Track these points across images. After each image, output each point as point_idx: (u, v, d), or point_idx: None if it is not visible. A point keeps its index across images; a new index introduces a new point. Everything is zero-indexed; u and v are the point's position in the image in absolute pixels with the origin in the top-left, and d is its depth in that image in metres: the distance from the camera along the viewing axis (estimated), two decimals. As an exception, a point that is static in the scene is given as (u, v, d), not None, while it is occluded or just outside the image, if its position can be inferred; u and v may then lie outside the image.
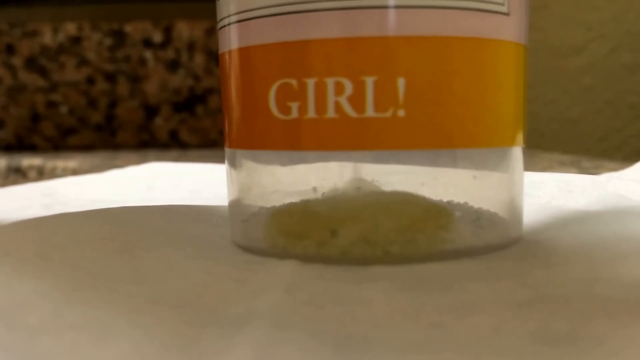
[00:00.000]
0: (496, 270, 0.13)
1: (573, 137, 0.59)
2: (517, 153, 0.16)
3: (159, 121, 0.64)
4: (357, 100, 0.14)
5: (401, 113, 0.14)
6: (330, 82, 0.14)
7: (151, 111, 0.64)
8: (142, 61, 0.63)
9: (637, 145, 0.58)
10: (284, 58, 0.14)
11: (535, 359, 0.09)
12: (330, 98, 0.14)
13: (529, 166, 0.39)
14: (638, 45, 0.57)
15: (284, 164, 0.15)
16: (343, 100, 0.14)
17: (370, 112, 0.14)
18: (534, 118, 0.58)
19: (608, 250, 0.14)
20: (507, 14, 0.14)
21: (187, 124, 0.64)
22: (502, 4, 0.14)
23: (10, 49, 0.63)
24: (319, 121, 0.14)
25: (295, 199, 0.15)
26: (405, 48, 0.13)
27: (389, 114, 0.14)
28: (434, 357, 0.09)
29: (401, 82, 0.13)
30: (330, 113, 0.14)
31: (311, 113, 0.14)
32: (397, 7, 0.13)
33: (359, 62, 0.14)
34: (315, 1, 0.14)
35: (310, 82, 0.14)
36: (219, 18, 0.16)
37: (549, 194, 0.22)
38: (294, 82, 0.14)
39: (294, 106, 0.14)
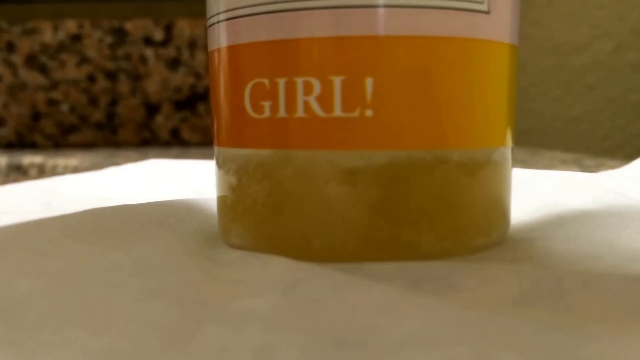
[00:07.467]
0: (491, 268, 0.13)
1: (575, 135, 0.58)
2: (503, 153, 0.16)
3: (160, 119, 0.64)
4: (325, 100, 0.14)
5: (369, 113, 0.13)
6: (299, 81, 0.14)
7: (152, 109, 0.64)
8: (143, 59, 0.63)
9: (639, 144, 0.57)
10: (257, 58, 0.14)
11: (533, 354, 0.09)
12: (300, 98, 0.14)
13: (530, 164, 0.38)
14: (641, 43, 0.57)
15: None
16: (312, 99, 0.14)
17: (338, 112, 0.14)
18: (536, 116, 0.57)
19: (601, 256, 0.14)
20: (486, 13, 0.14)
21: (189, 122, 0.64)
22: (480, 3, 0.14)
23: (11, 47, 0.64)
24: (289, 120, 0.14)
25: (278, 198, 0.15)
26: (373, 48, 0.13)
27: (356, 113, 0.13)
28: (433, 354, 0.09)
29: (369, 82, 0.13)
30: (300, 112, 0.14)
31: (282, 112, 0.14)
32: (366, 6, 0.13)
33: (327, 62, 0.13)
34: (285, 2, 0.14)
35: (281, 82, 0.14)
36: (207, 16, 0.16)
37: (546, 191, 0.21)
38: (266, 81, 0.14)
39: (267, 105, 0.14)
